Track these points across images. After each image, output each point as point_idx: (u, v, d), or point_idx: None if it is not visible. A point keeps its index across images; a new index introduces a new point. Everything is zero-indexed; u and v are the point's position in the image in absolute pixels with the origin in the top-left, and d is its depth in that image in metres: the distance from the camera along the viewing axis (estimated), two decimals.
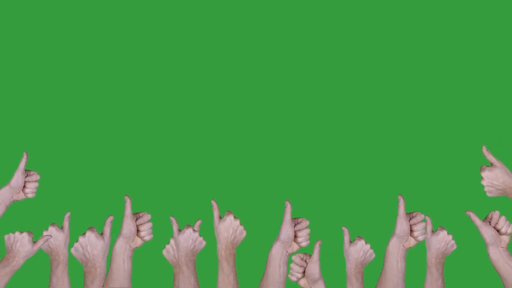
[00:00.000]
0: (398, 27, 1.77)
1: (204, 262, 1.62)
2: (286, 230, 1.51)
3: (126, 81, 1.74)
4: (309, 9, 1.78)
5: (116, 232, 1.55)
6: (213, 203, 1.54)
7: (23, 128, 1.71)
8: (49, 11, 1.76)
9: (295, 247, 1.53)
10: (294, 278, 1.52)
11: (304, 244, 1.53)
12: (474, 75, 1.75)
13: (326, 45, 1.77)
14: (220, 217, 1.54)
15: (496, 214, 1.53)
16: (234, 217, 1.53)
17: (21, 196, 1.55)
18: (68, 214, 1.55)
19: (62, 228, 1.54)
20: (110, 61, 1.75)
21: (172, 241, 1.57)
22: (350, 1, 1.77)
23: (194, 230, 1.52)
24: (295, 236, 1.53)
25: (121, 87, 1.74)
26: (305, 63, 1.76)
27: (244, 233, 1.54)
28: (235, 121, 1.74)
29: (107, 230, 1.54)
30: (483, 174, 1.53)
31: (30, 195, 1.55)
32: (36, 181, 1.55)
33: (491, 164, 1.54)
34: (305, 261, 1.52)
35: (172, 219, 1.53)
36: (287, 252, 1.52)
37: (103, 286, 1.53)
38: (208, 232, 1.61)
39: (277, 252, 1.52)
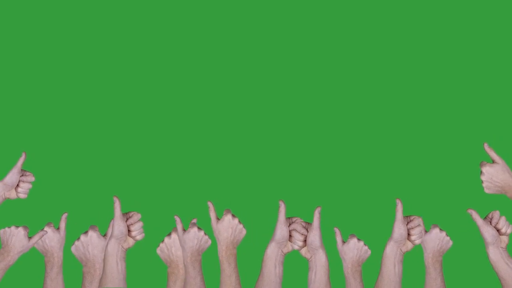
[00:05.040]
0: (397, 29, 1.76)
1: (205, 263, 1.61)
2: (281, 230, 1.50)
3: (121, 81, 1.75)
4: (308, 9, 1.77)
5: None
6: (210, 204, 1.52)
7: (22, 129, 1.73)
8: (40, 8, 1.78)
9: (290, 247, 1.52)
10: (296, 247, 1.51)
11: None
12: (474, 75, 1.74)
13: (322, 46, 1.77)
14: (218, 218, 1.52)
15: (496, 214, 1.52)
16: (232, 215, 1.52)
17: (13, 194, 1.53)
18: (65, 215, 1.54)
19: (58, 229, 1.54)
20: (107, 63, 1.76)
21: (166, 239, 1.55)
22: (350, 1, 1.77)
23: (199, 229, 1.51)
24: (290, 236, 1.52)
25: (117, 87, 1.75)
26: (302, 65, 1.76)
27: (244, 231, 1.52)
28: (232, 119, 1.74)
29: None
30: (484, 169, 1.52)
31: (21, 195, 1.53)
32: (30, 182, 1.53)
33: (493, 161, 1.52)
34: (307, 229, 1.51)
35: (177, 218, 1.51)
36: (282, 252, 1.51)
37: None
38: (207, 232, 1.60)
39: (273, 252, 1.50)
